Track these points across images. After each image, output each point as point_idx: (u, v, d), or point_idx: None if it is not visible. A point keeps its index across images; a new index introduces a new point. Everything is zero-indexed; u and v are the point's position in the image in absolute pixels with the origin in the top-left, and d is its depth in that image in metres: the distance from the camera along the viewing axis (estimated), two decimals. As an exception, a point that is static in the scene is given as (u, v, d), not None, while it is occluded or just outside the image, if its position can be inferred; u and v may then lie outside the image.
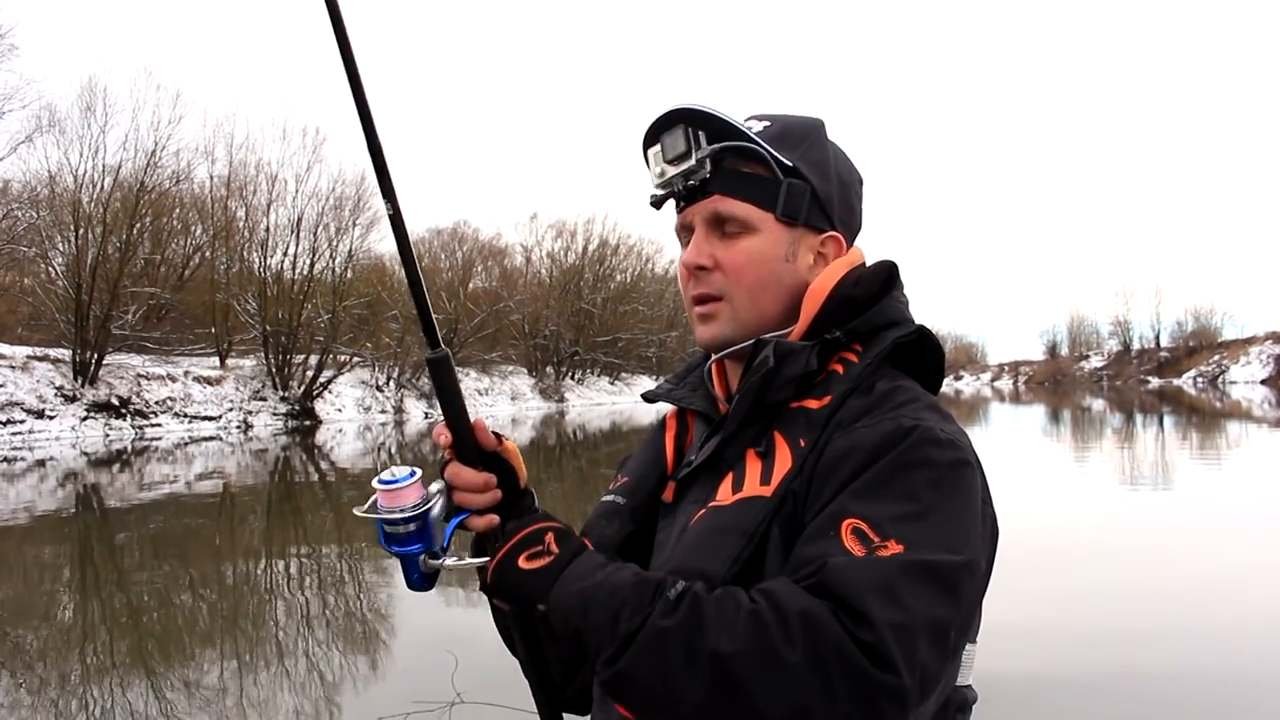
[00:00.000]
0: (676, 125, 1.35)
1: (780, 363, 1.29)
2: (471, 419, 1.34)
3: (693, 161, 1.34)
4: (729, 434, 1.33)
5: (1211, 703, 5.22)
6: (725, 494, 1.27)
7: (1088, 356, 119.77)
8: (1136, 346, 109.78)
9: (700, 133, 1.34)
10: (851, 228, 1.44)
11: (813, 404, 1.29)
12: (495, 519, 1.33)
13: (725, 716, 1.04)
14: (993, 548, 1.24)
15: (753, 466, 1.27)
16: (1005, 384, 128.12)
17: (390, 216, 1.33)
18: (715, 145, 1.34)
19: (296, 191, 47.05)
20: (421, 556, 1.30)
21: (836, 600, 1.05)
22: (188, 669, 6.54)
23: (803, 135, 1.39)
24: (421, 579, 1.31)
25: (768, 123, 1.39)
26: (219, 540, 12.53)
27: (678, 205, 1.41)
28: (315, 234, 47.28)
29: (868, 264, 1.42)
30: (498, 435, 1.38)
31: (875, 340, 1.34)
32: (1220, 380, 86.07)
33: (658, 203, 1.44)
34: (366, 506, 1.30)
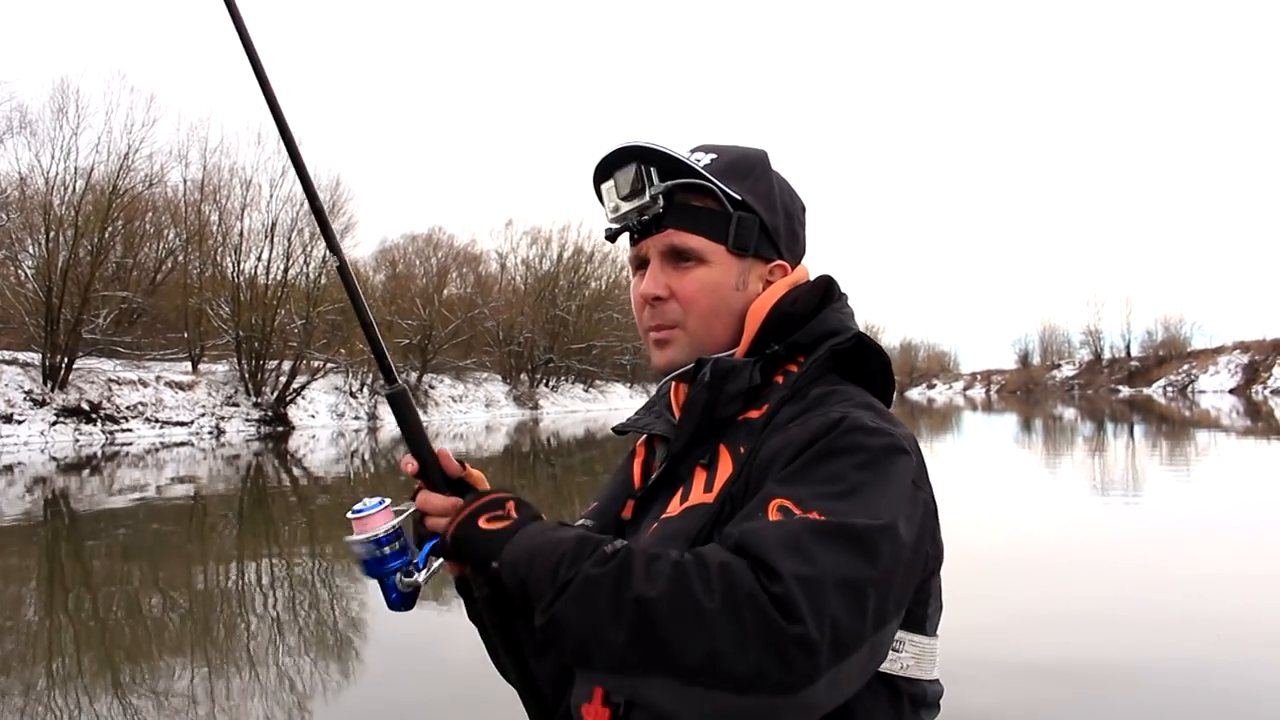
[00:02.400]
0: (629, 162, 1.42)
1: (723, 379, 1.37)
2: (436, 449, 1.44)
3: (646, 198, 1.40)
4: (678, 449, 1.40)
5: (1187, 708, 5.26)
6: (674, 506, 1.35)
7: (1059, 365, 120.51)
8: (1107, 356, 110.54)
9: (652, 169, 1.40)
10: (796, 254, 1.51)
11: (754, 414, 1.36)
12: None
13: (645, 658, 1.08)
14: (929, 533, 1.26)
15: (699, 478, 1.35)
16: (978, 392, 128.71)
17: (337, 268, 1.47)
18: (668, 182, 1.40)
19: (271, 196, 46.89)
20: (397, 575, 1.37)
21: (753, 558, 1.09)
22: (157, 678, 6.48)
23: (749, 168, 1.46)
24: (400, 598, 1.39)
25: (714, 155, 1.45)
26: (190, 547, 12.44)
27: (631, 238, 1.47)
28: (289, 239, 47.09)
29: (810, 280, 1.49)
30: (461, 462, 1.47)
31: (814, 351, 1.40)
32: (1189, 389, 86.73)
33: (612, 236, 1.50)
34: (348, 537, 1.39)
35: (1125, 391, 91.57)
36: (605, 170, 1.45)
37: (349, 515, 1.38)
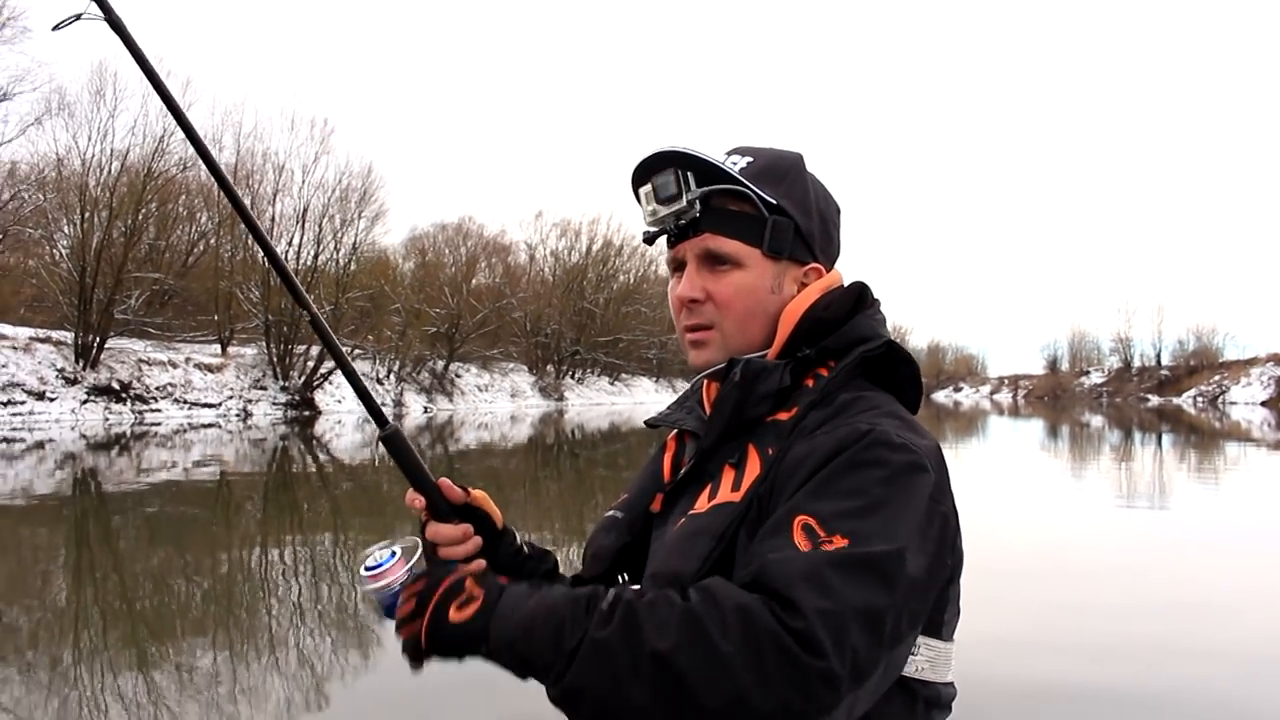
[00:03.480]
0: (667, 167, 1.44)
1: (754, 380, 1.39)
2: (436, 480, 1.48)
3: (684, 203, 1.42)
4: (707, 446, 1.43)
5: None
6: (702, 503, 1.37)
7: (1088, 372, 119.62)
8: (1137, 364, 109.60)
9: (689, 174, 1.43)
10: (831, 256, 1.53)
11: (783, 416, 1.39)
12: (482, 563, 1.44)
13: (671, 712, 1.09)
14: (948, 546, 1.28)
15: (727, 476, 1.37)
16: (1005, 397, 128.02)
17: (309, 321, 1.49)
18: (705, 188, 1.43)
19: (303, 182, 47.32)
20: None
21: (769, 592, 1.12)
22: (180, 655, 6.54)
23: (784, 172, 1.47)
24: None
25: (750, 158, 1.47)
26: (215, 527, 12.54)
27: (669, 241, 1.50)
28: (320, 225, 47.51)
29: (844, 285, 1.51)
30: (464, 487, 1.52)
31: (845, 356, 1.42)
32: (1220, 400, 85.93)
33: (650, 239, 1.53)
34: (362, 589, 1.42)
35: (1154, 401, 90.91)
36: (643, 175, 1.47)
37: (362, 571, 1.39)
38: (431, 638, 1.26)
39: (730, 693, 1.06)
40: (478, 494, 1.53)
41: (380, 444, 1.48)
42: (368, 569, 1.39)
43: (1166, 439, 33.78)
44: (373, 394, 1.55)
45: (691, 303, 1.46)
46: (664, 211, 1.44)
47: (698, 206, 1.42)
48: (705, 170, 1.43)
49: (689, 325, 1.48)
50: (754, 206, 1.43)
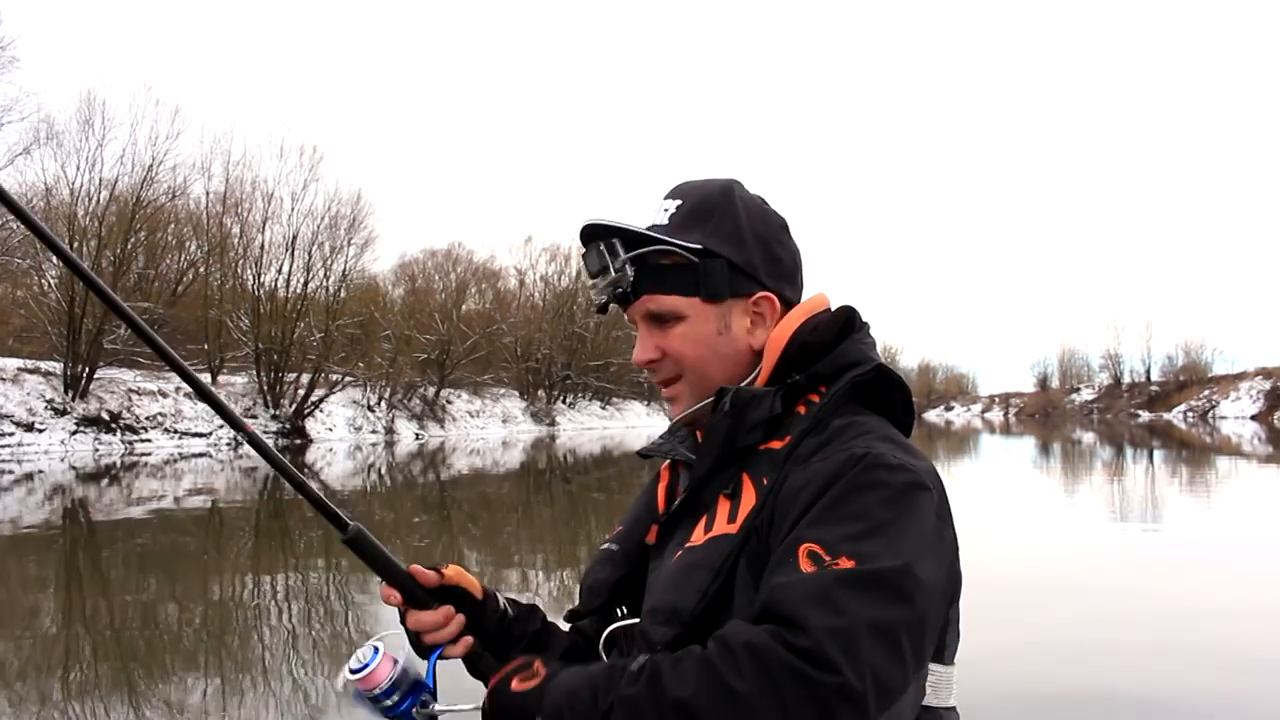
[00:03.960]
0: (591, 244, 1.46)
1: (744, 408, 1.38)
2: (407, 567, 1.47)
3: (613, 273, 1.44)
4: (699, 476, 1.42)
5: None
6: (698, 535, 1.36)
7: (1078, 389, 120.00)
8: (1127, 380, 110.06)
9: (615, 241, 1.44)
10: (783, 275, 1.51)
11: (776, 445, 1.37)
12: (470, 640, 1.48)
13: None
14: (953, 566, 1.29)
15: (722, 508, 1.36)
16: (996, 415, 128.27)
17: (248, 439, 1.44)
18: (629, 254, 1.43)
19: (292, 209, 47.28)
20: (415, 711, 1.40)
21: (777, 617, 1.14)
22: (171, 688, 6.50)
23: (709, 210, 1.46)
24: None
25: (680, 200, 1.49)
26: (206, 557, 12.47)
27: (620, 306, 1.51)
28: (310, 252, 47.45)
29: (831, 308, 1.51)
30: (435, 568, 1.50)
31: (836, 381, 1.41)
32: (1210, 415, 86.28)
33: (601, 308, 1.53)
34: (348, 696, 1.40)
35: (1145, 416, 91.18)
36: (581, 252, 1.50)
37: (347, 674, 1.38)
38: (494, 704, 1.31)
39: None
40: (451, 571, 1.52)
41: (346, 545, 1.44)
42: (353, 671, 1.38)
43: (1158, 454, 33.88)
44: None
45: (650, 363, 1.48)
46: (601, 283, 1.45)
47: (629, 271, 1.43)
48: (629, 236, 1.44)
49: (659, 382, 1.50)
50: (683, 257, 1.43)
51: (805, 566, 1.17)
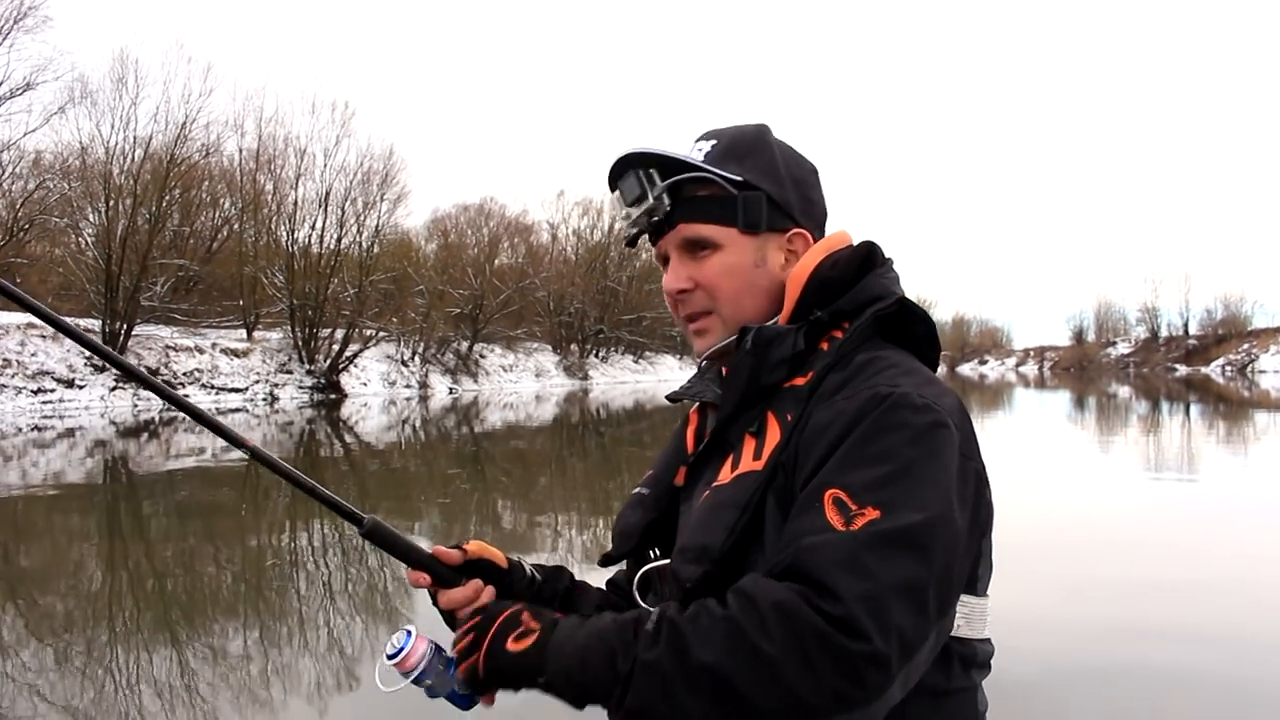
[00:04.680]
0: (628, 171, 1.46)
1: (766, 346, 1.39)
2: (430, 549, 1.49)
3: (650, 200, 1.44)
4: (724, 416, 1.43)
5: (1229, 698, 5.20)
6: (725, 474, 1.36)
7: (1114, 343, 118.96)
8: (1164, 334, 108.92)
9: (652, 171, 1.45)
10: (815, 217, 1.53)
11: (799, 381, 1.37)
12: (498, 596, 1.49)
13: (728, 716, 1.10)
14: (981, 501, 1.29)
15: (748, 446, 1.36)
16: (1030, 369, 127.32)
17: (251, 454, 1.56)
18: (669, 180, 1.44)
19: (325, 165, 47.44)
20: (454, 685, 1.38)
21: (807, 580, 1.13)
22: (211, 637, 6.62)
23: (747, 147, 1.48)
24: (468, 699, 1.40)
25: (714, 140, 1.48)
26: (244, 511, 12.66)
27: (651, 239, 1.52)
28: (343, 208, 47.57)
29: (852, 245, 1.50)
30: (458, 545, 1.52)
31: (858, 316, 1.41)
32: (1249, 369, 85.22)
33: (632, 240, 1.54)
34: (387, 683, 1.40)
35: (1182, 370, 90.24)
36: (612, 182, 1.49)
37: (385, 662, 1.39)
38: (490, 670, 1.28)
39: (783, 691, 1.08)
40: (473, 546, 1.53)
41: (364, 539, 1.44)
42: (389, 657, 1.38)
43: (1194, 409, 33.54)
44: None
45: (681, 293, 1.48)
46: (635, 213, 1.46)
47: (666, 200, 1.44)
48: (667, 164, 1.44)
49: (686, 315, 1.50)
50: (722, 188, 1.44)
51: (831, 515, 1.17)
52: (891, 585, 1.11)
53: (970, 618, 1.30)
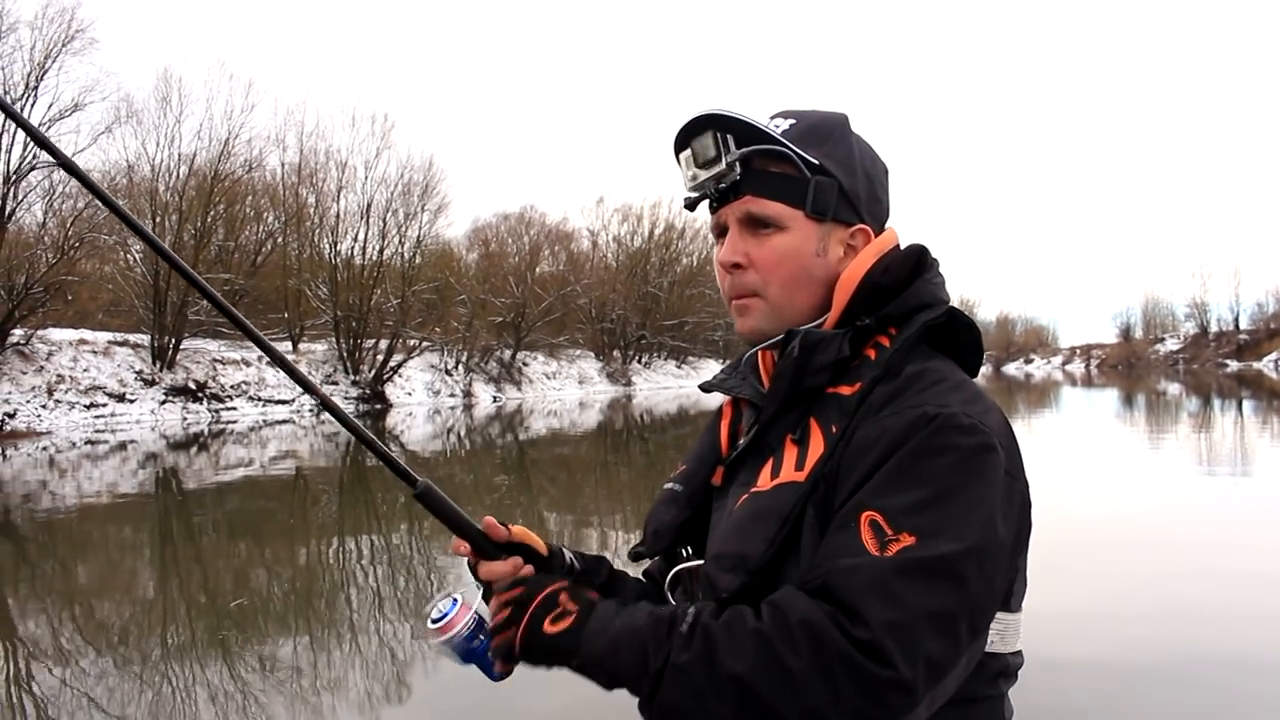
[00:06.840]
0: (705, 130, 1.40)
1: (812, 350, 1.35)
2: (481, 521, 1.49)
3: (723, 165, 1.39)
4: (767, 419, 1.40)
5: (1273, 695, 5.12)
6: (764, 480, 1.34)
7: (1162, 339, 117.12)
8: (1214, 329, 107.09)
9: (729, 136, 1.39)
10: (879, 217, 1.47)
11: (845, 390, 1.34)
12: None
13: None
14: (1024, 521, 1.29)
15: (790, 453, 1.34)
16: (1076, 367, 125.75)
17: (319, 401, 1.63)
18: (744, 149, 1.39)
19: (366, 178, 47.68)
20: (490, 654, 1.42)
21: (837, 603, 1.14)
22: (263, 647, 6.69)
23: (828, 133, 1.43)
24: (501, 673, 1.42)
25: (793, 120, 1.43)
26: (293, 521, 12.79)
27: (711, 206, 1.46)
28: (384, 219, 47.85)
29: (901, 247, 1.46)
30: (505, 524, 1.51)
31: (907, 324, 1.38)
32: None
33: (691, 204, 1.49)
34: (433, 644, 1.45)
35: (1233, 366, 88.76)
36: (683, 139, 1.43)
37: (429, 625, 1.42)
38: (526, 648, 1.30)
39: (807, 707, 1.10)
40: (518, 530, 1.52)
41: (416, 500, 1.47)
42: (434, 621, 1.42)
43: (1247, 405, 32.98)
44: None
45: (734, 267, 1.42)
46: (704, 175, 1.41)
47: (738, 169, 1.38)
48: (745, 132, 1.39)
49: (733, 292, 1.44)
50: (795, 168, 1.39)
51: (866, 538, 1.16)
52: (921, 614, 1.11)
53: (1004, 634, 1.30)
